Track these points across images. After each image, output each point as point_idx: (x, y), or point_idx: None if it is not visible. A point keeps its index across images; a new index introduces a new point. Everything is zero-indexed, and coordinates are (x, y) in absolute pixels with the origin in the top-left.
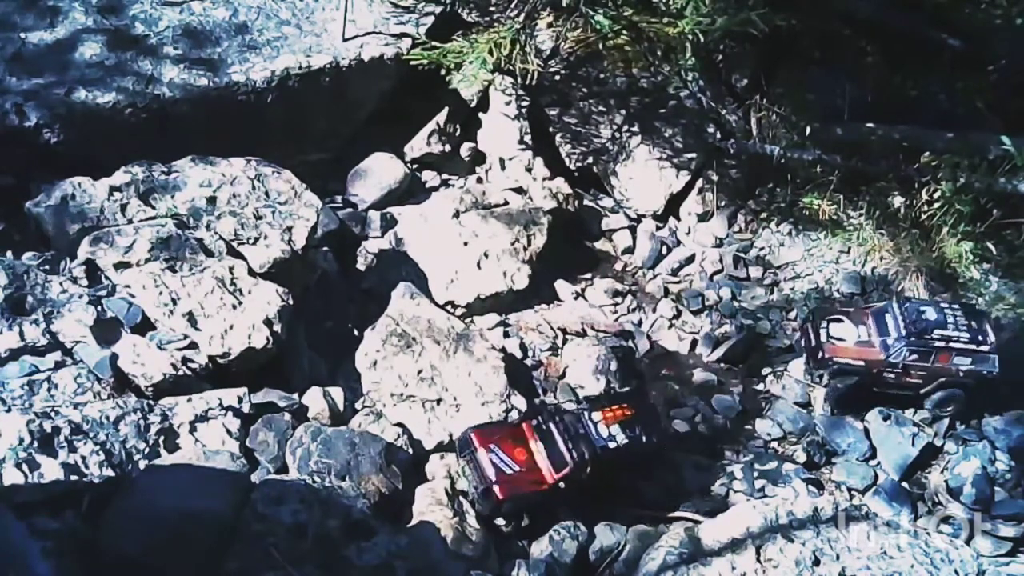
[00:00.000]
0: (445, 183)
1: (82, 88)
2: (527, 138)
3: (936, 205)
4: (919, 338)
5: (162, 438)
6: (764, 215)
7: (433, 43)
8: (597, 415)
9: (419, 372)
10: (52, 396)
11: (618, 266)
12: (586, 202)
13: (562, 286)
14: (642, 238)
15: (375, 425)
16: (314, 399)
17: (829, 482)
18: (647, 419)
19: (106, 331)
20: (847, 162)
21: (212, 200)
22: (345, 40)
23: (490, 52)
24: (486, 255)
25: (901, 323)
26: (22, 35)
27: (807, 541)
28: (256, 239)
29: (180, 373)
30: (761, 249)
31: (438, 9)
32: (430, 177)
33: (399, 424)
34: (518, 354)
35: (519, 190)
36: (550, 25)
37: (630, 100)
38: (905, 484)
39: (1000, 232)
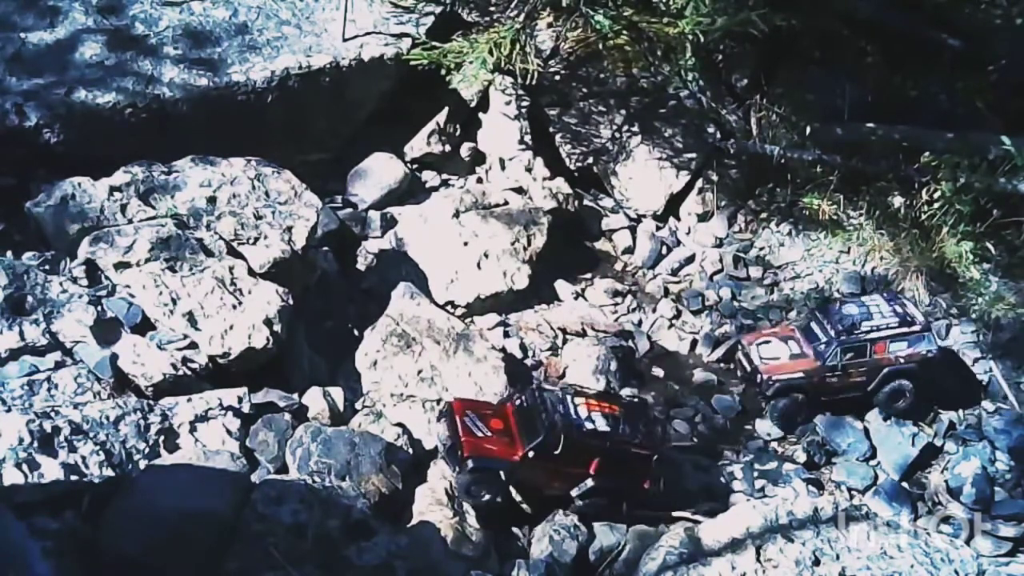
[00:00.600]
0: (445, 183)
1: (82, 88)
2: (527, 138)
3: (936, 205)
4: (849, 335)
5: (162, 438)
6: (764, 215)
7: (433, 43)
8: (580, 400)
9: (419, 372)
10: (52, 396)
11: (618, 266)
12: (586, 202)
13: (562, 286)
14: (642, 238)
15: (375, 425)
16: (314, 399)
17: (829, 482)
18: (638, 422)
19: (106, 331)
20: (847, 162)
21: (212, 200)
22: (345, 40)
23: (490, 52)
24: (486, 255)
25: (828, 326)
26: (22, 35)
27: (807, 541)
28: (256, 239)
29: (180, 373)
30: (761, 249)
31: (438, 9)
32: (430, 177)
33: (399, 424)
34: (518, 354)
35: (519, 190)
36: (550, 25)
37: (630, 100)
38: (905, 484)
39: (1000, 232)
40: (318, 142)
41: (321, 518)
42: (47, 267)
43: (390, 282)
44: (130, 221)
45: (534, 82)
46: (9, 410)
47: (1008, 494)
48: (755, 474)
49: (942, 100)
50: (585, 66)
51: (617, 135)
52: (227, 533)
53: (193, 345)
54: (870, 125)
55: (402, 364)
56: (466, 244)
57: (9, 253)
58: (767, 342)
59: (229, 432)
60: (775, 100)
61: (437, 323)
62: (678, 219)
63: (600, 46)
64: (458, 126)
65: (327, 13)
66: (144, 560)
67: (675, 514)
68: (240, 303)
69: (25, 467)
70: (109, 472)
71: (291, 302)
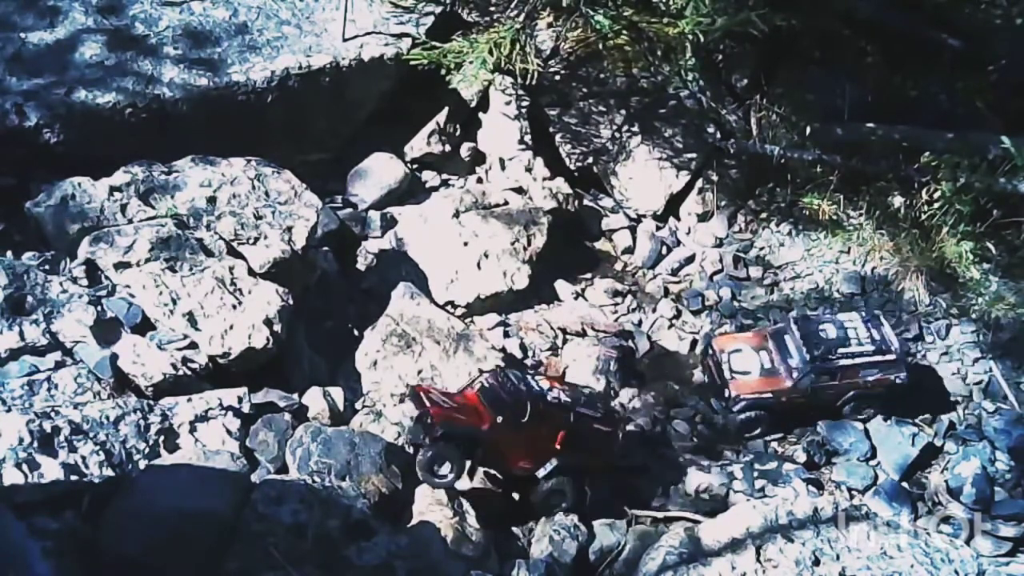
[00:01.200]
0: (445, 183)
1: (82, 88)
2: (527, 138)
3: (936, 205)
4: (824, 360)
5: (162, 438)
6: (764, 215)
7: (433, 43)
8: (542, 378)
9: (419, 372)
10: (52, 396)
11: (618, 266)
12: (586, 202)
13: (562, 286)
14: (642, 238)
15: (375, 425)
16: (314, 399)
17: (829, 482)
18: (596, 403)
19: (106, 331)
20: (847, 162)
21: (212, 200)
22: (345, 40)
23: (490, 52)
24: (486, 255)
25: (803, 346)
26: (22, 35)
27: (807, 541)
28: (256, 239)
29: (180, 373)
30: (761, 249)
31: (438, 9)
32: (430, 177)
33: (399, 424)
34: (518, 354)
35: (519, 190)
36: (550, 25)
37: (630, 100)
38: (905, 484)
39: (1000, 232)
40: (318, 142)
41: (321, 518)
42: (47, 267)
43: (390, 282)
44: (130, 221)
45: (534, 82)
46: (9, 410)
47: (1008, 494)
48: (755, 474)
49: (942, 100)
50: (585, 66)
51: (617, 135)
52: (227, 533)
53: (193, 345)
54: (870, 125)
55: (402, 364)
56: (466, 244)
57: (9, 253)
58: (738, 350)
59: (229, 432)
60: (775, 100)
61: (437, 323)
62: (678, 219)
63: (600, 46)
64: (458, 126)
65: (327, 13)
66: (144, 560)
67: (675, 514)
68: (240, 303)
69: (25, 467)
70: (109, 472)
71: (291, 302)
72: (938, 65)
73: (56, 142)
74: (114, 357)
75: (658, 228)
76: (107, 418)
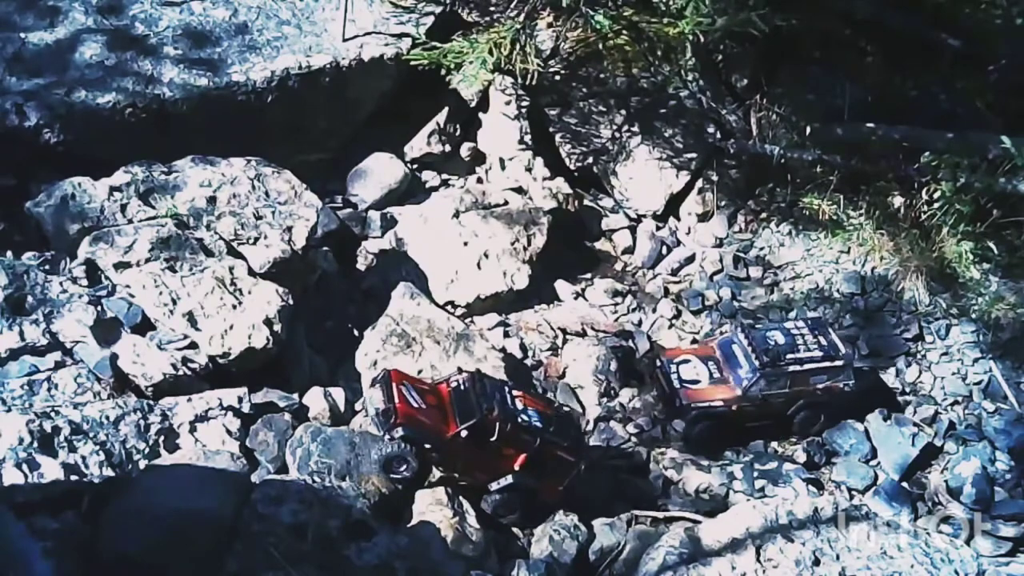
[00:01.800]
0: (445, 183)
1: (82, 88)
2: (527, 138)
3: (936, 205)
4: (773, 367)
5: (162, 438)
6: (764, 215)
7: (433, 43)
8: (518, 393)
9: (419, 372)
10: (52, 396)
11: (618, 266)
12: (586, 202)
13: (562, 286)
14: (642, 238)
15: (375, 425)
16: (314, 399)
17: (829, 482)
18: (568, 429)
19: (106, 331)
20: (847, 162)
21: (212, 200)
22: (345, 40)
23: (490, 52)
24: (486, 255)
25: (751, 353)
26: (22, 35)
27: (807, 541)
28: (256, 239)
29: (180, 373)
30: (761, 249)
31: (438, 9)
32: (430, 177)
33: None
34: (518, 354)
35: (519, 190)
36: (550, 25)
37: (630, 100)
38: (905, 484)
39: (1000, 232)
40: (318, 142)
41: (321, 518)
42: (47, 267)
43: (390, 282)
44: (130, 221)
45: (534, 82)
46: (9, 410)
47: (1008, 494)
48: (755, 474)
49: (942, 100)
50: (585, 66)
51: (617, 135)
52: (227, 533)
53: (193, 345)
54: (870, 125)
55: (402, 364)
56: (466, 244)
57: (9, 253)
58: (687, 361)
59: (229, 432)
60: (775, 100)
61: (437, 323)
62: (678, 219)
63: (600, 46)
64: (458, 126)
65: (327, 13)
66: (144, 560)
67: (675, 514)
68: (240, 303)
69: (25, 467)
70: (109, 472)
71: (291, 302)
72: (938, 65)
73: (56, 142)
74: (114, 357)
75: (658, 228)
76: (107, 418)
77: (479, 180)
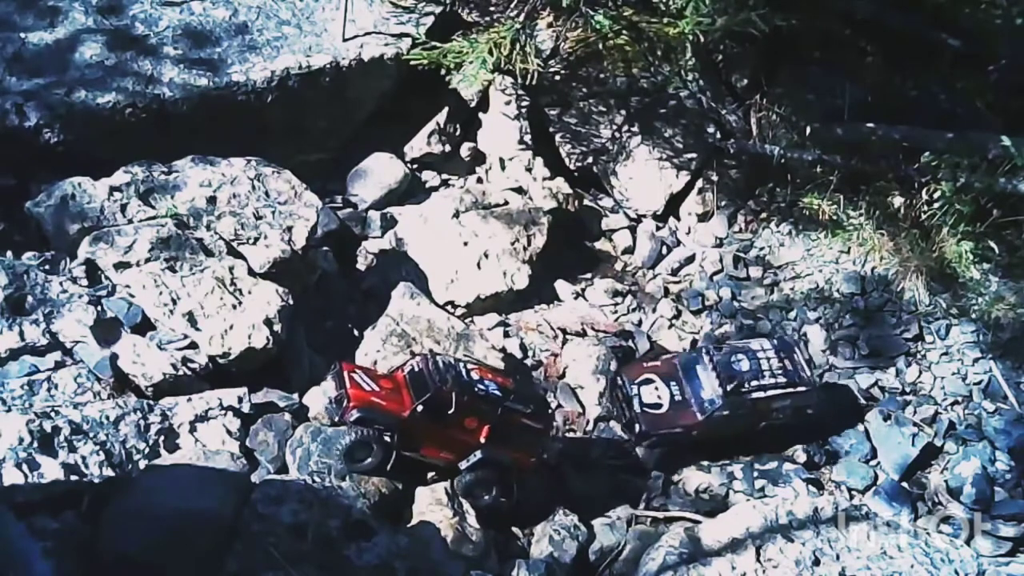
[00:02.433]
0: (445, 183)
1: (82, 88)
2: (527, 138)
3: (936, 205)
4: (736, 395)
5: (162, 438)
6: (764, 215)
7: (433, 43)
8: (472, 366)
9: None
10: (52, 396)
11: (618, 266)
12: (586, 202)
13: (562, 286)
14: (642, 238)
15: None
16: (314, 399)
17: (829, 482)
18: (529, 399)
19: (106, 331)
20: (847, 162)
21: (212, 200)
22: (345, 40)
23: (490, 52)
24: (486, 255)
25: (715, 378)
26: (22, 35)
27: (807, 541)
28: (256, 239)
29: (180, 373)
30: (761, 249)
31: (438, 9)
32: (430, 177)
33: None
34: (518, 354)
35: (519, 190)
36: (550, 25)
37: (630, 100)
38: (905, 484)
39: (1000, 232)
40: (318, 142)
41: (321, 518)
42: (47, 267)
43: (390, 282)
44: (130, 221)
45: (534, 82)
46: (9, 410)
47: (1008, 494)
48: (755, 474)
49: (942, 100)
50: (585, 66)
51: (617, 135)
52: (227, 533)
53: (193, 345)
54: (870, 125)
55: None
56: (466, 244)
57: (9, 253)
58: (648, 381)
59: (229, 432)
60: (775, 100)
61: (437, 323)
62: (678, 219)
63: (600, 46)
64: (458, 126)
65: (327, 13)
66: (144, 560)
67: (675, 514)
68: (240, 303)
69: (25, 467)
70: (109, 472)
71: (291, 302)
72: (938, 65)
73: (56, 142)
74: (114, 357)
75: (658, 228)
76: (107, 418)
77: (479, 180)
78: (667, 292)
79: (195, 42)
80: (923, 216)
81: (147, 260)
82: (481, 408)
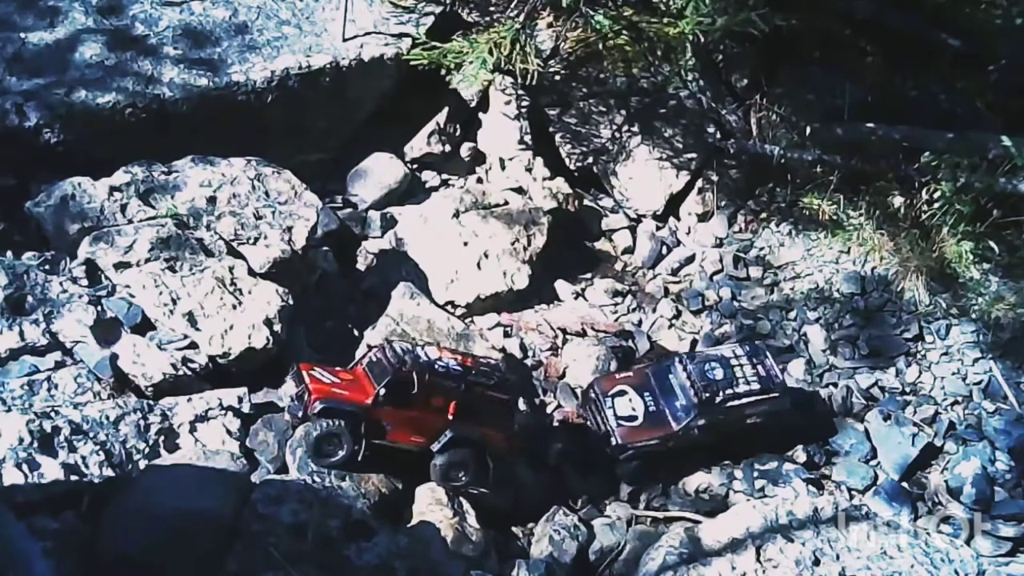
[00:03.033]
0: (445, 183)
1: (82, 88)
2: (527, 138)
3: (936, 205)
4: (711, 405)
5: (162, 438)
6: (764, 215)
7: (433, 43)
8: (431, 347)
9: None
10: (52, 396)
11: (618, 266)
12: (586, 202)
13: (562, 286)
14: (642, 238)
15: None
16: None
17: (829, 482)
18: (492, 372)
19: (106, 331)
20: (847, 162)
21: (212, 200)
22: (345, 40)
23: (490, 52)
24: (486, 255)
25: (689, 387)
26: (22, 35)
27: (807, 541)
28: (256, 239)
29: (180, 373)
30: (761, 249)
31: (438, 9)
32: (430, 177)
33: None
34: (518, 354)
35: (519, 190)
36: (550, 25)
37: (630, 100)
38: (905, 484)
39: (1000, 232)
40: (318, 142)
41: (321, 518)
42: (47, 267)
43: (390, 282)
44: (130, 221)
45: (534, 82)
46: (9, 410)
47: (1008, 494)
48: (755, 474)
49: (942, 100)
50: (585, 66)
51: (617, 135)
52: (227, 533)
53: (193, 345)
54: (870, 125)
55: None
56: (466, 244)
57: (9, 253)
58: (623, 394)
59: (229, 432)
60: (775, 100)
61: (437, 323)
62: (678, 219)
63: (600, 46)
64: (458, 126)
65: (327, 13)
66: (144, 560)
67: (675, 514)
68: (240, 303)
69: (25, 467)
70: (109, 472)
71: (291, 302)
72: (938, 65)
73: (56, 142)
74: (114, 357)
75: (658, 228)
76: (107, 418)
77: (479, 180)
78: (667, 292)
79: (195, 42)
80: (923, 216)
81: (147, 260)
82: (445, 385)
